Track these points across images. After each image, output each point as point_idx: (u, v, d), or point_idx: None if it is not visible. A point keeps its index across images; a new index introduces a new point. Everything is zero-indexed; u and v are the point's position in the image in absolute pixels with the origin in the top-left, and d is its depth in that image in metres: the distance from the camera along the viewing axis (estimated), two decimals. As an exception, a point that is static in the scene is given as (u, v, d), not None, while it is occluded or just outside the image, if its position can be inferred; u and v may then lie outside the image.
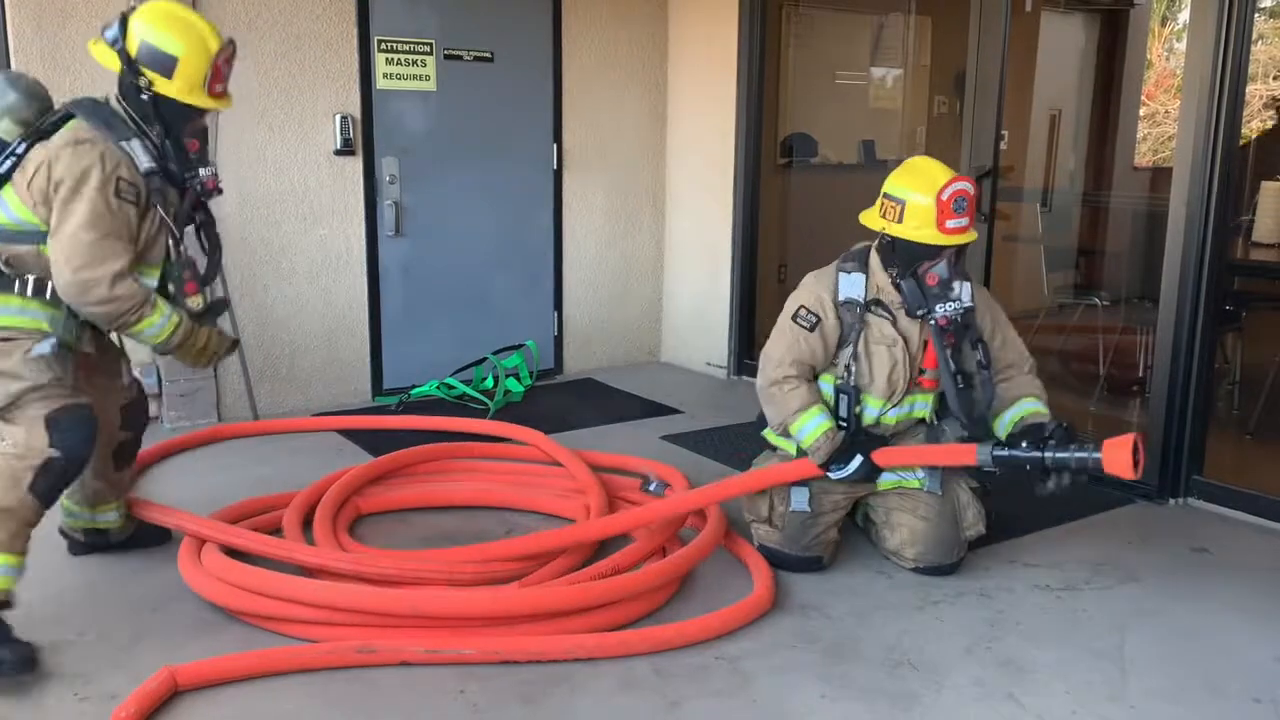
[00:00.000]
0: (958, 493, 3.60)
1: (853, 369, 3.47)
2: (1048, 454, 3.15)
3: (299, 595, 3.05)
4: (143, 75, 2.99)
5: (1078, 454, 3.11)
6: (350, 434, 5.03)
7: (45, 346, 2.94)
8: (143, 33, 3.00)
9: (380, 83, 5.48)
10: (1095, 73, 8.18)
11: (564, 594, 3.12)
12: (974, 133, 4.84)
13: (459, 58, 5.71)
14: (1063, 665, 3.00)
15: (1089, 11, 8.17)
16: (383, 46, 5.46)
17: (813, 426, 3.43)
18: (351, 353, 5.64)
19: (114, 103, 3.08)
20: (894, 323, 3.47)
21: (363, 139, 5.47)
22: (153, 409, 5.12)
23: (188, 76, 3.01)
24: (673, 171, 6.57)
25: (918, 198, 3.31)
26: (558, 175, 6.17)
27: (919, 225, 3.32)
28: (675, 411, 5.60)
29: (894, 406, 3.54)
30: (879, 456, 3.44)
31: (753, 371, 6.22)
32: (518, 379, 5.86)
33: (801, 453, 3.51)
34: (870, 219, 3.48)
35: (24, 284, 2.95)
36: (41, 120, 3.00)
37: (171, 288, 3.12)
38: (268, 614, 3.07)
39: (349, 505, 3.90)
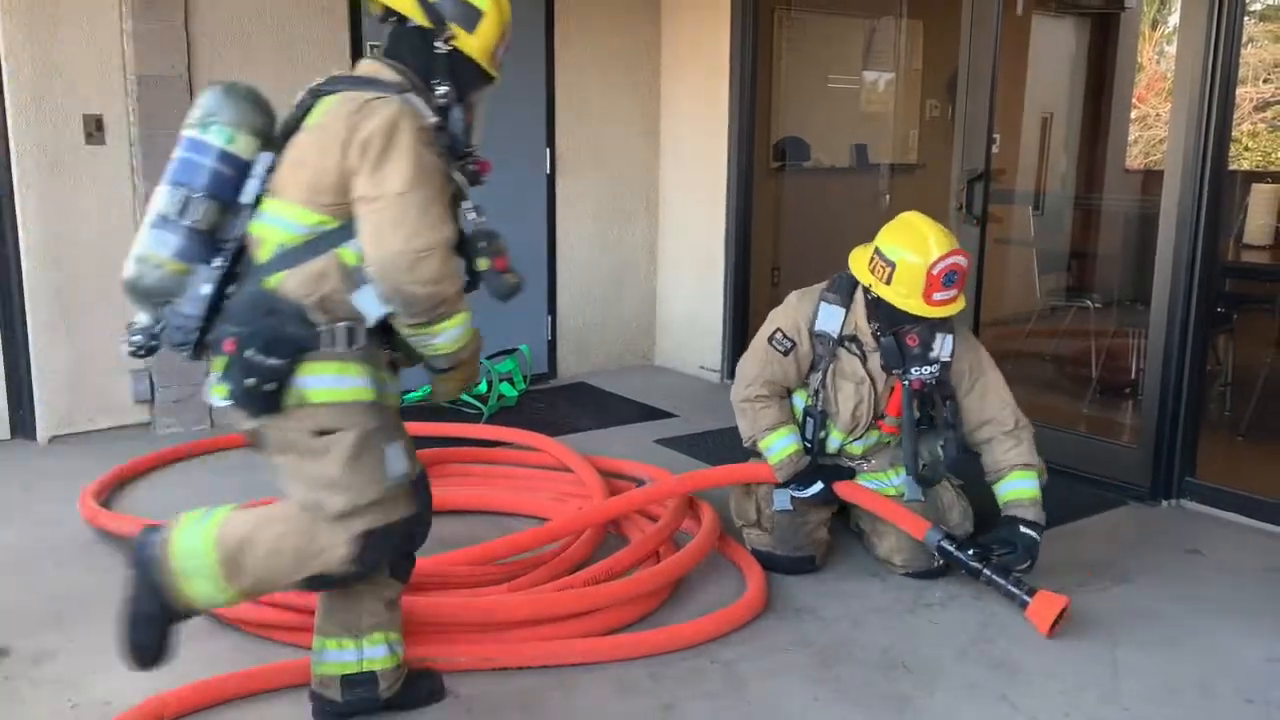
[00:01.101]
0: (940, 493, 3.61)
1: (820, 395, 3.53)
2: (985, 573, 3.31)
3: (294, 601, 3.04)
4: (447, 26, 2.50)
5: (1009, 588, 3.27)
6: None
7: None
8: None
9: (373, 88, 5.47)
10: (1086, 76, 8.20)
11: (558, 600, 3.11)
12: (966, 136, 4.85)
13: (452, 62, 5.70)
14: (1056, 667, 3.00)
15: (1080, 15, 8.19)
16: (374, 53, 5.44)
17: (780, 446, 3.54)
18: (345, 358, 5.62)
19: (369, 64, 2.62)
20: (864, 362, 3.50)
21: (356, 144, 5.45)
22: (145, 415, 5.13)
23: (485, 37, 2.53)
24: (666, 175, 6.57)
25: (909, 265, 3.28)
26: (550, 179, 6.17)
27: (906, 294, 3.30)
28: (669, 415, 5.61)
29: (857, 439, 3.60)
30: (840, 488, 3.57)
31: (746, 375, 6.26)
32: (511, 383, 5.86)
33: None
34: (860, 269, 3.45)
35: (335, 336, 2.36)
36: (282, 124, 2.54)
37: (482, 264, 2.49)
38: (262, 621, 3.06)
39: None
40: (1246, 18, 4.12)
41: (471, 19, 2.51)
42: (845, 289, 3.53)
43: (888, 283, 3.32)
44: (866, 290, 3.43)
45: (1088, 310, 6.24)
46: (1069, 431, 4.83)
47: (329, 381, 2.35)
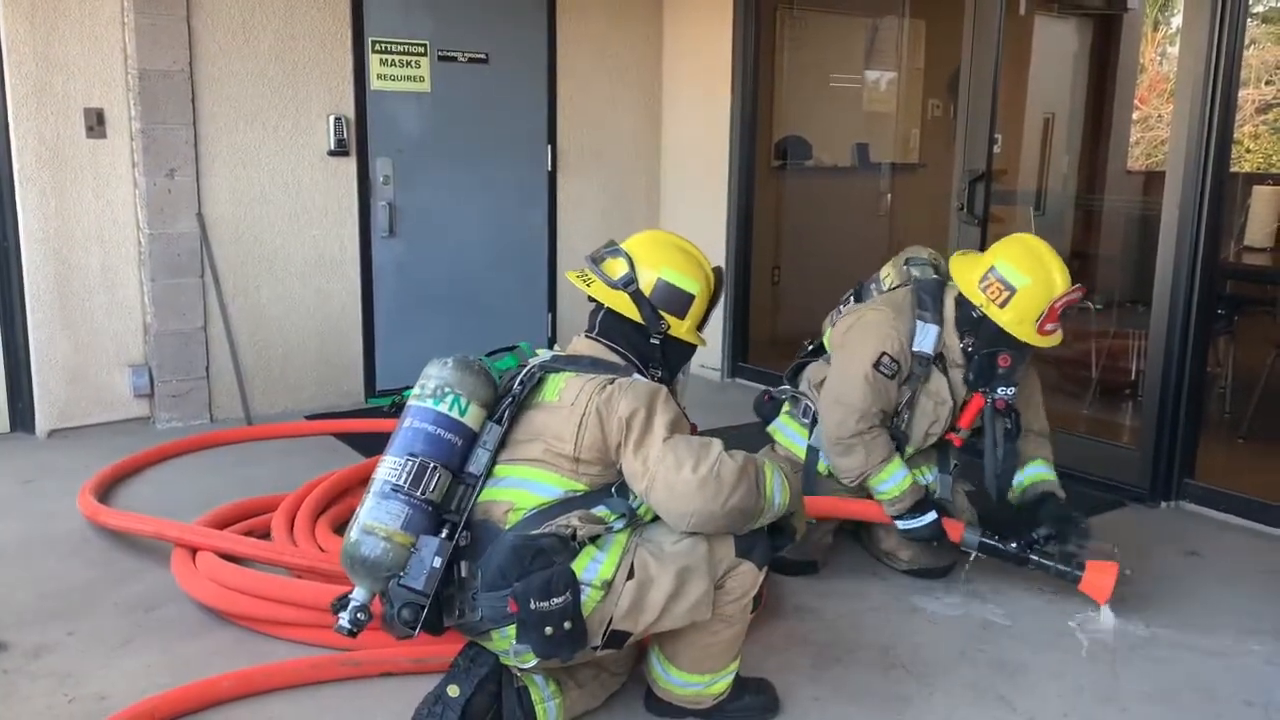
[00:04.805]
0: (955, 496, 3.60)
1: (904, 415, 3.42)
2: (1032, 559, 3.32)
3: (292, 597, 3.04)
4: (662, 320, 2.62)
5: (1059, 568, 3.30)
6: (343, 434, 5.02)
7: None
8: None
9: (374, 84, 5.48)
10: (1088, 76, 8.19)
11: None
12: (968, 136, 4.85)
13: (453, 59, 5.71)
14: (1055, 667, 3.01)
15: (1082, 16, 8.18)
16: (377, 47, 5.46)
17: (899, 479, 3.39)
18: (344, 353, 5.63)
19: (587, 344, 2.68)
20: (949, 383, 3.42)
21: (356, 140, 5.46)
22: (144, 409, 5.13)
23: (695, 316, 2.68)
24: (667, 173, 6.57)
25: (1032, 294, 3.21)
26: (552, 176, 6.17)
27: (1019, 320, 3.23)
28: (669, 413, 5.58)
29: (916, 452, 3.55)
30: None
31: (747, 374, 6.26)
32: (511, 380, 5.85)
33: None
34: (969, 288, 3.31)
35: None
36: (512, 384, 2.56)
37: None
38: (260, 616, 3.06)
39: (341, 506, 3.88)
40: (1249, 19, 4.12)
41: (684, 306, 2.65)
42: (934, 306, 3.41)
43: (1002, 306, 3.24)
44: (973, 308, 3.33)
45: (1088, 311, 6.23)
46: (1069, 433, 4.82)
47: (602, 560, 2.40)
